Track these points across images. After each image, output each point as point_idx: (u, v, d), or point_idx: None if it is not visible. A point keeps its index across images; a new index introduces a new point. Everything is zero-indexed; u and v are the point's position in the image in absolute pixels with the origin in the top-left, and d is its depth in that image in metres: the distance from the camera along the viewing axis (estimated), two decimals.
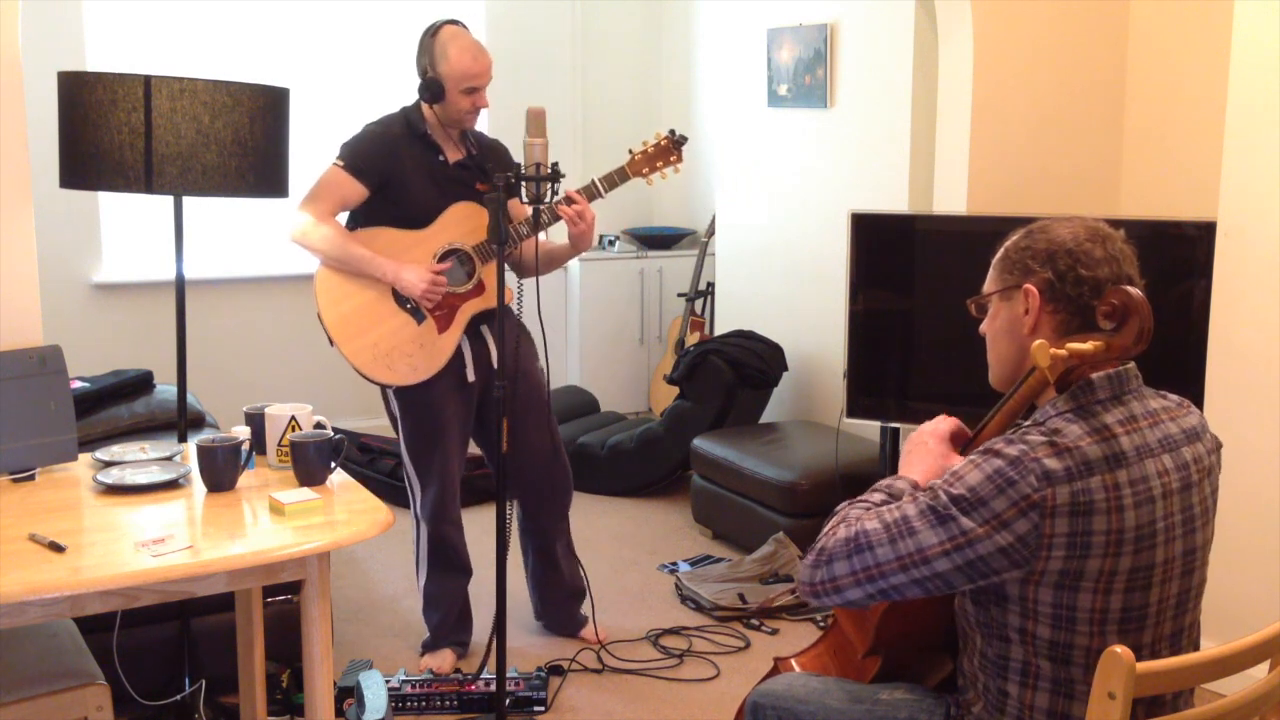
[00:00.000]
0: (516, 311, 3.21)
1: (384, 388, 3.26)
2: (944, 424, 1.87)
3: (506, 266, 3.06)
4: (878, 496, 1.77)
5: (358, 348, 3.12)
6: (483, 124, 3.61)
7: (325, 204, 3.13)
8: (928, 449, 1.83)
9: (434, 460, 3.26)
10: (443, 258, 3.16)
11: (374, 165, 3.13)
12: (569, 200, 3.09)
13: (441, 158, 3.20)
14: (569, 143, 6.18)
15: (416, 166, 3.16)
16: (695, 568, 4.15)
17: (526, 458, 3.34)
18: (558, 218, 3.09)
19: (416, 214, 3.16)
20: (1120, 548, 1.60)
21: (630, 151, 3.23)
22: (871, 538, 1.65)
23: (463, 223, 3.17)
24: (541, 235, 3.20)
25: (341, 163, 3.13)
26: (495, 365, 3.21)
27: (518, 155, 2.78)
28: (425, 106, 3.18)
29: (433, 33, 3.15)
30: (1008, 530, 1.57)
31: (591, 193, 3.15)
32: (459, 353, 3.22)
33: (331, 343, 3.13)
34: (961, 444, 1.86)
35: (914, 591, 1.65)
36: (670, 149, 3.21)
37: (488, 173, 3.03)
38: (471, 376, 3.26)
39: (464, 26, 3.17)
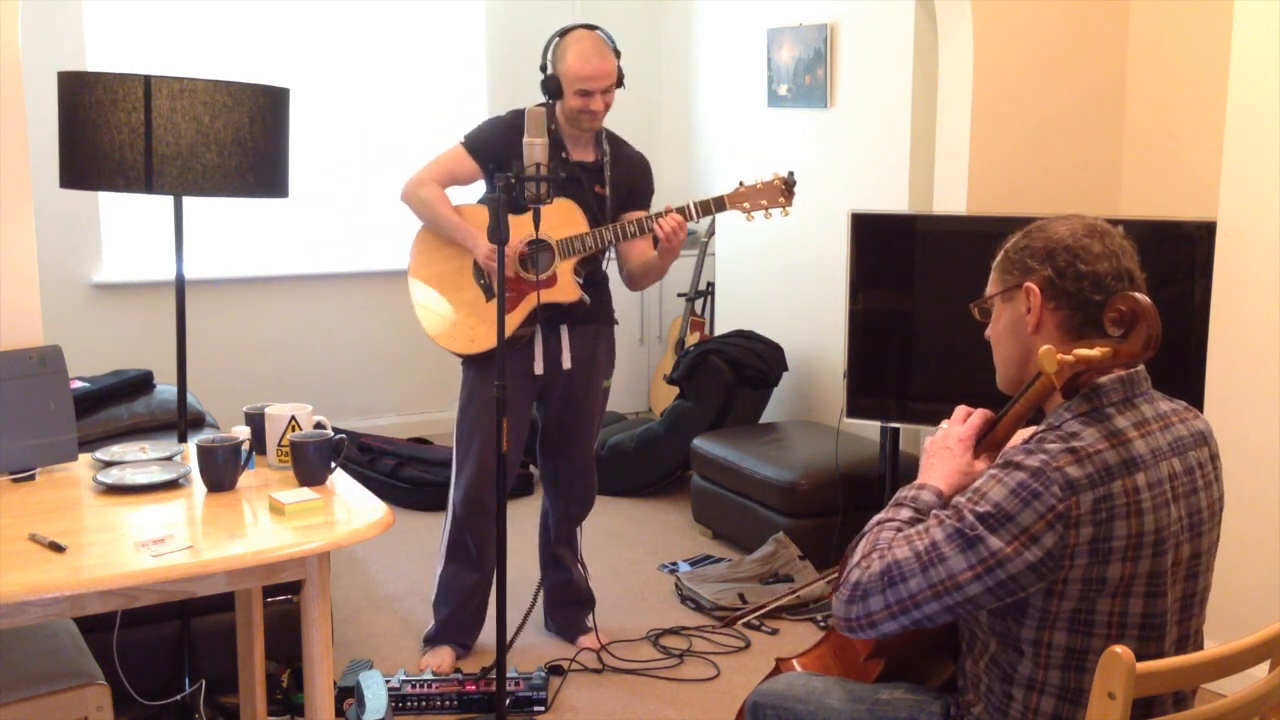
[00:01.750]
0: (610, 321, 3.39)
1: (462, 362, 3.34)
2: (969, 427, 1.84)
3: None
4: (905, 513, 1.75)
5: (425, 305, 3.28)
6: None
7: (435, 172, 3.28)
8: (951, 454, 1.82)
9: (475, 442, 3.30)
10: (529, 244, 3.18)
11: (490, 148, 3.23)
12: (666, 214, 3.11)
13: (564, 154, 3.25)
14: None
15: None
16: (695, 568, 4.15)
17: (567, 465, 3.45)
18: (648, 231, 3.12)
19: (524, 203, 3.19)
20: (1139, 551, 1.60)
21: (740, 182, 3.22)
22: (904, 568, 1.64)
23: (558, 216, 3.18)
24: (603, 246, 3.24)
25: (464, 140, 3.28)
26: (566, 367, 3.26)
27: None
28: (557, 104, 3.25)
29: (561, 34, 3.24)
30: (1036, 545, 1.57)
31: (684, 214, 3.15)
32: (529, 345, 3.26)
33: (413, 301, 3.29)
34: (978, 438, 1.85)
35: (945, 618, 1.65)
36: (782, 190, 3.19)
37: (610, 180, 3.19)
38: (539, 370, 3.29)
39: (596, 30, 3.23)
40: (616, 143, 3.36)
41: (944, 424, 1.88)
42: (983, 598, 1.61)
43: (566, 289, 3.18)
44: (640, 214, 3.24)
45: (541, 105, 2.78)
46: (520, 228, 3.14)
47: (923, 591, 1.62)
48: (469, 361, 3.31)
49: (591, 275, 3.32)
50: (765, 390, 4.92)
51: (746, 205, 3.20)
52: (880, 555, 1.68)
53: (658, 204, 3.30)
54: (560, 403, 3.38)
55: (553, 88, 3.20)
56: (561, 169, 3.21)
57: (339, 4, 5.62)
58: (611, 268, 3.43)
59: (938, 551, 1.62)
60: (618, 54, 3.24)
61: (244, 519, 2.16)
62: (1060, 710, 1.66)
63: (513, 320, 3.20)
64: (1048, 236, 1.72)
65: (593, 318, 3.33)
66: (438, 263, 3.29)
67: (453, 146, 3.29)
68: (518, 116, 3.25)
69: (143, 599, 2.00)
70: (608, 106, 3.22)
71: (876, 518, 1.79)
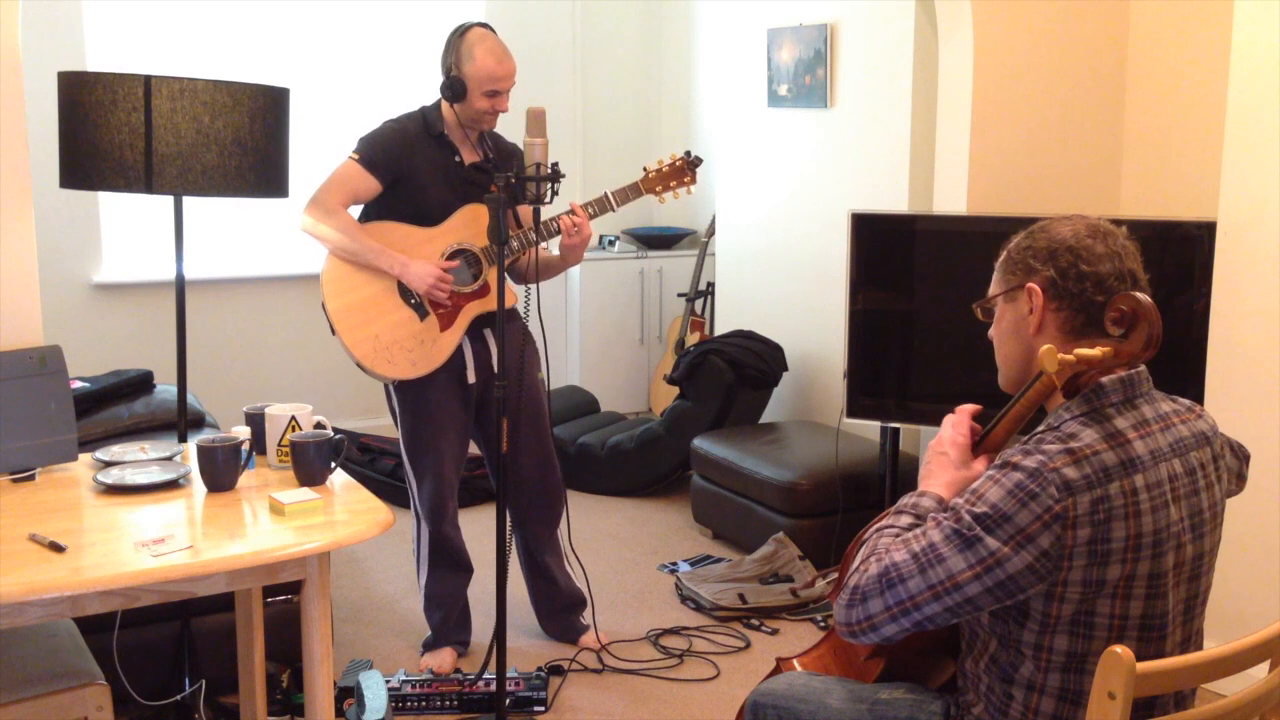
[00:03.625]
0: (524, 317, 3.25)
1: (386, 384, 3.28)
2: (961, 430, 1.84)
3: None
4: (904, 519, 1.75)
5: (359, 339, 3.12)
6: None
7: (337, 195, 3.15)
8: (948, 459, 1.82)
9: (429, 459, 3.27)
10: (451, 257, 3.17)
11: (388, 161, 3.15)
12: (572, 212, 3.12)
13: (457, 158, 3.22)
14: (569, 143, 6.18)
15: (431, 165, 3.19)
16: (695, 568, 4.15)
17: (518, 467, 3.36)
18: (558, 230, 3.11)
19: (428, 212, 3.18)
20: (1139, 553, 1.60)
21: (645, 169, 3.26)
22: (902, 570, 1.64)
23: (472, 224, 3.18)
24: (543, 244, 3.22)
25: (357, 156, 3.17)
26: (496, 368, 3.22)
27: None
28: (445, 106, 3.19)
29: (461, 33, 3.16)
30: (1033, 545, 1.56)
31: (604, 205, 3.16)
32: (460, 353, 3.23)
33: (334, 332, 3.14)
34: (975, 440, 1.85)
35: (945, 619, 1.65)
36: (684, 170, 3.24)
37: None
38: (472, 378, 3.27)
39: (492, 30, 3.18)
40: (493, 138, 3.33)
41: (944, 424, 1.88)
42: (982, 598, 1.61)
43: (507, 294, 3.16)
44: (558, 215, 3.16)
45: (541, 106, 2.77)
46: (429, 241, 3.13)
47: (922, 593, 1.62)
48: (403, 386, 3.22)
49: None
50: (765, 390, 4.91)
51: (659, 188, 3.24)
52: (878, 559, 1.68)
53: (586, 193, 3.29)
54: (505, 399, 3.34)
55: (458, 89, 3.11)
56: (456, 173, 3.19)
57: (339, 4, 5.62)
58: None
59: (936, 552, 1.62)
60: None
61: (244, 519, 2.16)
62: (1060, 710, 1.66)
63: (453, 337, 3.19)
64: (1050, 237, 1.72)
65: (510, 315, 3.27)
66: (358, 288, 3.15)
67: (346, 164, 3.16)
68: (407, 122, 3.22)
69: (143, 599, 2.00)
70: (508, 106, 3.20)
71: (876, 525, 1.79)
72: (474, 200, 3.19)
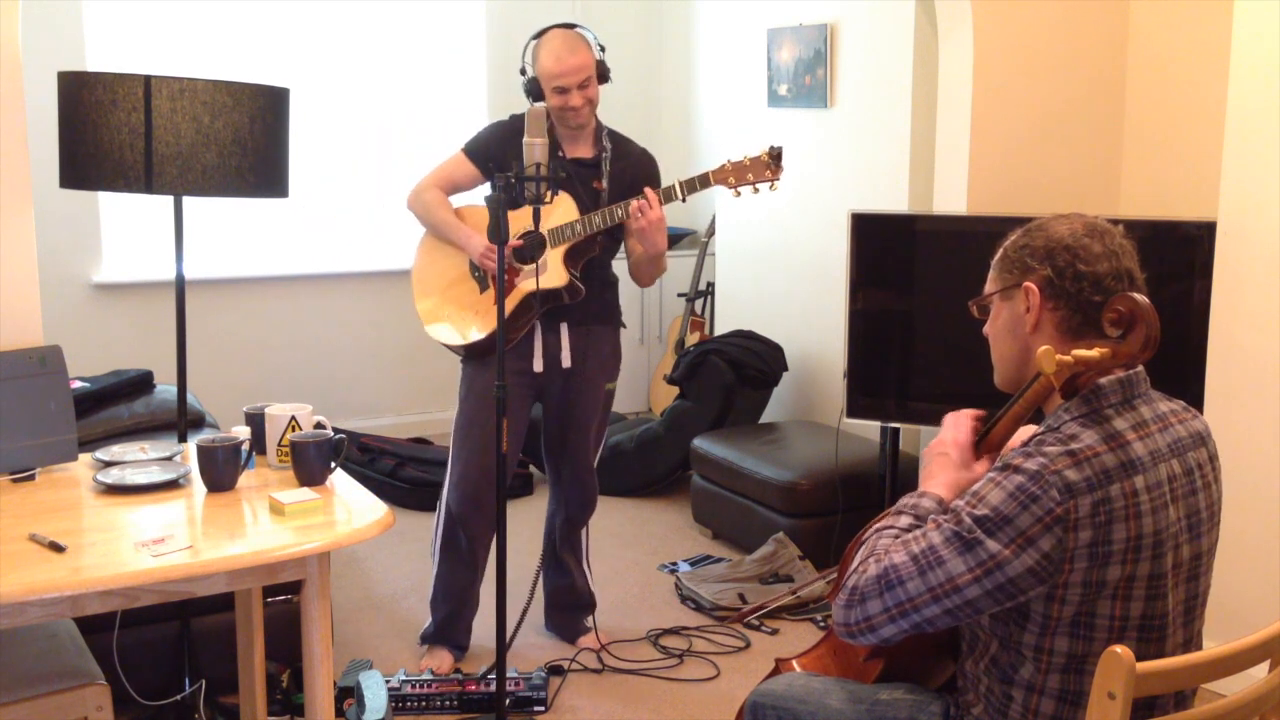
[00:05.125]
0: (611, 319, 3.40)
1: (460, 360, 3.37)
2: (962, 430, 1.84)
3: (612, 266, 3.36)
4: (904, 520, 1.75)
5: (426, 303, 3.33)
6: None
7: (437, 178, 3.33)
8: (948, 459, 1.82)
9: (471, 439, 3.29)
10: (522, 237, 3.18)
11: (487, 151, 3.28)
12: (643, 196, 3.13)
13: (560, 152, 3.25)
14: None
15: None
16: (695, 568, 4.15)
17: (568, 467, 3.43)
18: (626, 216, 3.13)
19: (521, 201, 3.21)
20: (1138, 554, 1.59)
21: (728, 160, 3.20)
22: (901, 571, 1.64)
23: (555, 210, 3.18)
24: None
25: (464, 146, 3.34)
26: (565, 365, 3.25)
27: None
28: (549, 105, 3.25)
29: (537, 35, 3.23)
30: (1034, 548, 1.56)
31: (670, 195, 3.15)
32: (529, 341, 3.27)
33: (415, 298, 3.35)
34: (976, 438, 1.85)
35: (945, 621, 1.64)
36: (769, 163, 3.15)
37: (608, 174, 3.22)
38: (538, 367, 3.28)
39: (571, 28, 3.22)
40: (619, 139, 3.36)
41: (944, 424, 1.88)
42: (982, 601, 1.61)
43: (556, 275, 3.17)
44: (623, 201, 3.17)
45: (541, 105, 2.78)
46: (518, 222, 3.15)
47: (921, 595, 1.62)
48: (467, 357, 3.33)
49: (601, 276, 3.33)
50: (765, 390, 4.91)
51: (732, 181, 3.17)
52: (877, 560, 1.68)
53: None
54: (560, 402, 3.37)
55: (534, 89, 3.23)
56: (556, 165, 3.21)
57: (339, 4, 5.62)
58: (621, 268, 3.41)
59: (936, 555, 1.61)
60: (602, 48, 3.23)
61: (244, 519, 2.16)
62: (1060, 711, 1.66)
63: (507, 305, 3.19)
64: (1048, 236, 1.72)
65: (596, 318, 3.33)
66: (437, 262, 3.34)
67: (454, 153, 3.35)
68: (517, 120, 3.26)
69: (143, 599, 2.00)
70: (590, 102, 3.21)
71: (875, 525, 1.79)
72: (569, 191, 3.22)
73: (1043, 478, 1.57)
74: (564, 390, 3.35)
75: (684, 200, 3.20)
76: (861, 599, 1.67)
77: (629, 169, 3.31)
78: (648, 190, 3.13)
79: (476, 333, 3.24)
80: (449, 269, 3.33)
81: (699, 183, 3.17)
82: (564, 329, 3.30)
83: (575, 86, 3.16)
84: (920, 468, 1.87)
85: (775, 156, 3.16)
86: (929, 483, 1.81)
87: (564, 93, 3.16)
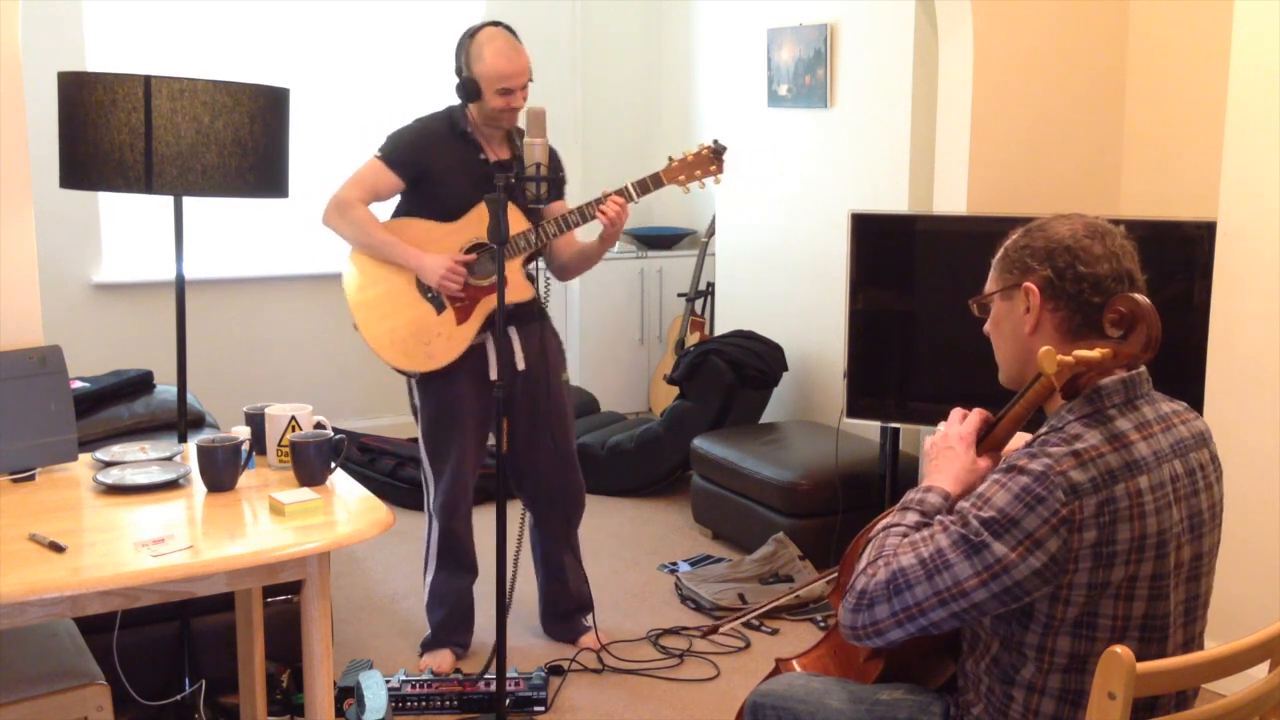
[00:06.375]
0: (547, 315, 3.31)
1: (407, 378, 3.32)
2: (968, 425, 1.84)
3: (540, 267, 3.23)
4: (911, 517, 1.74)
5: (377, 333, 3.20)
6: None
7: (358, 191, 3.20)
8: (954, 453, 1.81)
9: (449, 455, 3.29)
10: (470, 251, 3.18)
11: (410, 158, 3.20)
12: (606, 199, 3.12)
13: (482, 156, 3.23)
14: (569, 143, 6.17)
15: (454, 163, 3.20)
16: (695, 568, 4.15)
17: (538, 466, 3.39)
18: (591, 218, 3.12)
19: (451, 208, 3.20)
20: (1142, 554, 1.59)
21: (670, 158, 3.23)
22: (909, 575, 1.63)
23: (493, 218, 3.17)
24: (578, 234, 3.23)
25: (380, 154, 3.22)
26: (520, 368, 3.24)
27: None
28: (470, 105, 3.21)
29: (471, 34, 3.18)
30: (1040, 550, 1.56)
31: (625, 195, 3.15)
32: (483, 350, 3.25)
33: (355, 327, 3.22)
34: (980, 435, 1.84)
35: (951, 624, 1.64)
36: (711, 159, 3.21)
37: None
38: (494, 375, 3.27)
39: (505, 28, 3.19)
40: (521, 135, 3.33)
41: (941, 425, 1.88)
42: (988, 604, 1.61)
43: (519, 288, 3.16)
44: (583, 204, 3.16)
45: (541, 106, 2.77)
46: (450, 235, 3.14)
47: (929, 599, 1.62)
48: (426, 380, 3.26)
49: (530, 272, 3.31)
50: (765, 390, 4.91)
51: (682, 178, 3.20)
52: (885, 563, 1.67)
53: (585, 192, 3.27)
54: (525, 404, 3.33)
55: (471, 90, 3.14)
56: (480, 170, 3.19)
57: (339, 4, 5.62)
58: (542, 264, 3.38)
59: (943, 558, 1.61)
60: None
61: (244, 519, 2.16)
62: (1061, 711, 1.66)
63: (470, 330, 3.19)
64: (1048, 236, 1.72)
65: (536, 315, 3.29)
66: (377, 283, 3.21)
67: (369, 161, 3.21)
68: (432, 121, 3.24)
69: (143, 599, 2.00)
70: (525, 102, 3.19)
71: (883, 522, 1.79)
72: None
73: (1048, 479, 1.57)
74: (526, 391, 3.30)
75: (636, 201, 3.20)
76: (870, 603, 1.67)
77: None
78: (611, 195, 3.12)
79: (440, 356, 3.18)
80: (391, 291, 3.20)
81: (651, 183, 3.19)
82: (513, 332, 3.29)
83: (519, 87, 3.15)
84: (922, 463, 1.87)
85: (717, 152, 3.21)
86: (935, 477, 1.81)
87: (509, 94, 3.13)
